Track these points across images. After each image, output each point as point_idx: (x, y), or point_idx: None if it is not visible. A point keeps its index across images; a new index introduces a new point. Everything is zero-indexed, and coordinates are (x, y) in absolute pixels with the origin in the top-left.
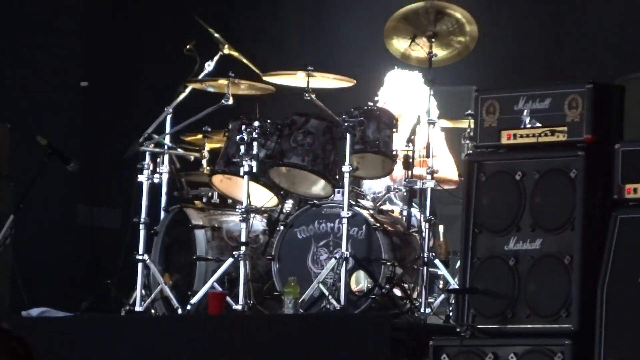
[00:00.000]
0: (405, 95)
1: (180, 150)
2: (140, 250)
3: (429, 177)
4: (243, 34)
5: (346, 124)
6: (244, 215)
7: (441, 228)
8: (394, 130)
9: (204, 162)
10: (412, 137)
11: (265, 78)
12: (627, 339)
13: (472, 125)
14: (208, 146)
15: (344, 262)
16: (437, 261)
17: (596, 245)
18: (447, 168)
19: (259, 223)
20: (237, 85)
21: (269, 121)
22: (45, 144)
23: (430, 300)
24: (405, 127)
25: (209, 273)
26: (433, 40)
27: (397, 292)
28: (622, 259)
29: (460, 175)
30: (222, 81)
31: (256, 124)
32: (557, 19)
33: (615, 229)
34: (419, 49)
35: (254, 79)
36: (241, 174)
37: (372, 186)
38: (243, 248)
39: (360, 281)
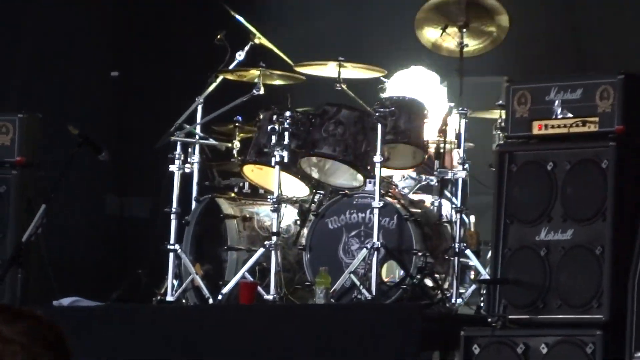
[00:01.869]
0: (415, 93)
1: (211, 140)
2: (172, 240)
3: (460, 167)
4: (274, 23)
5: (377, 114)
6: (275, 205)
7: (472, 218)
8: (425, 120)
9: (235, 152)
10: (444, 127)
11: (296, 68)
12: None
13: (503, 116)
14: (239, 136)
15: (375, 252)
16: (468, 251)
17: (628, 235)
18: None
19: (290, 213)
20: (268, 76)
21: (300, 111)
22: (76, 133)
23: (462, 290)
24: (435, 117)
25: (240, 263)
26: (464, 30)
27: (429, 282)
28: None
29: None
30: (253, 71)
31: (287, 114)
32: (590, 9)
33: None
34: (450, 39)
35: (285, 69)
36: (272, 164)
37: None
38: (274, 238)
39: (392, 271)
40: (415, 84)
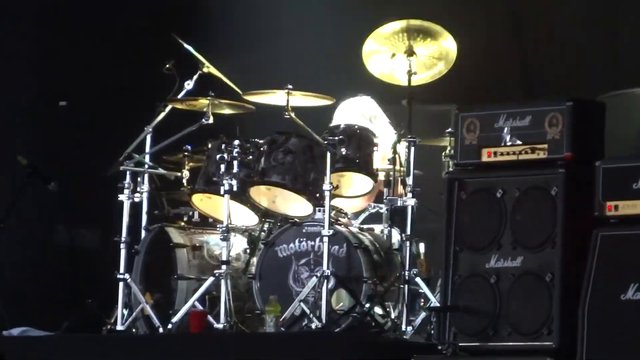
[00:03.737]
0: (360, 122)
1: (160, 170)
2: (121, 270)
3: (409, 195)
4: (223, 52)
5: (326, 142)
6: (225, 234)
7: (422, 246)
8: (375, 149)
9: (185, 181)
10: (393, 155)
11: (245, 97)
12: (608, 356)
13: (453, 144)
14: (188, 165)
15: (325, 280)
16: (418, 279)
17: (577, 262)
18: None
19: (240, 242)
20: (217, 105)
21: (249, 140)
22: (25, 164)
23: (412, 318)
24: (384, 146)
25: (190, 292)
26: (412, 58)
27: (378, 310)
28: (603, 276)
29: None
30: (202, 100)
31: (236, 142)
32: (537, 38)
33: (596, 246)
34: (398, 68)
35: (233, 98)
36: (221, 193)
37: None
38: (224, 267)
39: (341, 299)
40: (361, 112)
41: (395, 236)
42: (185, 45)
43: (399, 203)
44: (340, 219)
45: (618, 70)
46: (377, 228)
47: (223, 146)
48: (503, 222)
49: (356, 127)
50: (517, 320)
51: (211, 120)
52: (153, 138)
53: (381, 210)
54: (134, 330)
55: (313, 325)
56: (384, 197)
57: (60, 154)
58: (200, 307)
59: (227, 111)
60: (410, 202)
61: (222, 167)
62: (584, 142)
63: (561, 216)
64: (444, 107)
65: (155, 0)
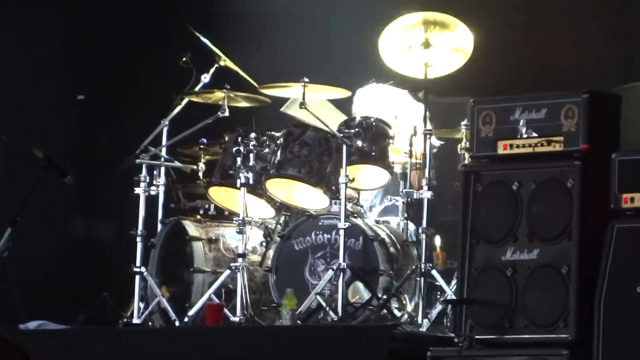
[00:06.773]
0: (380, 109)
1: (176, 163)
2: (137, 263)
3: (425, 187)
4: (239, 46)
5: (342, 135)
6: (241, 227)
7: (438, 239)
8: (390, 141)
9: (201, 174)
10: (410, 148)
11: (261, 90)
12: (625, 349)
13: (468, 136)
14: (204, 158)
15: (341, 273)
16: (434, 272)
17: (593, 255)
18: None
19: (256, 235)
20: (234, 98)
21: (265, 133)
22: (41, 156)
23: (428, 311)
24: (401, 137)
25: (206, 285)
26: (428, 50)
27: (395, 303)
28: (619, 268)
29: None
30: (218, 93)
31: (252, 135)
32: (552, 30)
33: (612, 238)
34: (414, 60)
35: (250, 90)
36: (238, 185)
37: (369, 197)
38: (240, 260)
39: (358, 292)
40: (378, 100)
41: (412, 228)
42: (202, 38)
43: (415, 196)
44: (355, 212)
45: (633, 64)
46: (393, 221)
47: (239, 139)
48: (519, 215)
49: (372, 119)
50: (534, 313)
51: (227, 113)
52: (169, 131)
53: (397, 203)
54: (150, 323)
55: (329, 318)
56: (400, 190)
57: (77, 147)
58: (216, 300)
59: (243, 104)
60: (427, 194)
61: (239, 160)
62: (600, 134)
63: (577, 208)
64: (460, 100)
65: None
